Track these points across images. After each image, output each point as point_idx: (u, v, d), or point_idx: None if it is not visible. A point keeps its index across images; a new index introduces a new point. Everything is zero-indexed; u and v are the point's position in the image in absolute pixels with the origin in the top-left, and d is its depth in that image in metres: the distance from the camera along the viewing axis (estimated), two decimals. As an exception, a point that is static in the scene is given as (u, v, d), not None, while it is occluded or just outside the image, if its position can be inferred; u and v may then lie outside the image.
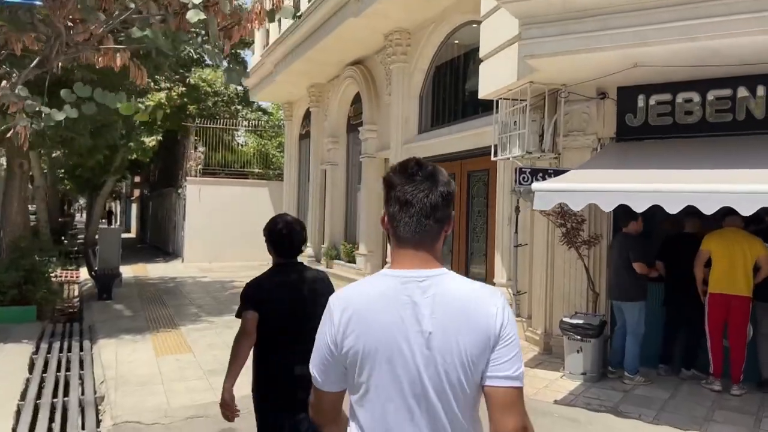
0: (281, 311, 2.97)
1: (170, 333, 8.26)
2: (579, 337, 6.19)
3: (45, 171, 21.11)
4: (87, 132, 9.42)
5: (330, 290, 3.00)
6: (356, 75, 13.00)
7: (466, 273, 9.78)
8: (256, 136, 22.00)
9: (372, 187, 12.45)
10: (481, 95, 7.65)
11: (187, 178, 18.87)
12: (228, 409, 2.89)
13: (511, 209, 7.97)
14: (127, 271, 15.68)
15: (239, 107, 20.71)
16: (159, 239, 25.82)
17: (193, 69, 19.74)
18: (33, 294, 8.85)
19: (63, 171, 24.95)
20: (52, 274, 9.36)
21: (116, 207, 52.78)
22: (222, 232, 18.12)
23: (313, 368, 1.56)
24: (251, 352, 2.98)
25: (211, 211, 18.24)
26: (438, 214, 1.50)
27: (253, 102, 21.84)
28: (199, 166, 19.21)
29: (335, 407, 1.59)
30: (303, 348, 2.26)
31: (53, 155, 18.65)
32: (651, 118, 6.55)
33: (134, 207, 39.39)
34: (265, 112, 22.17)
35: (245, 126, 20.33)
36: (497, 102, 7.67)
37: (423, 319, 1.43)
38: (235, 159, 20.57)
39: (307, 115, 17.28)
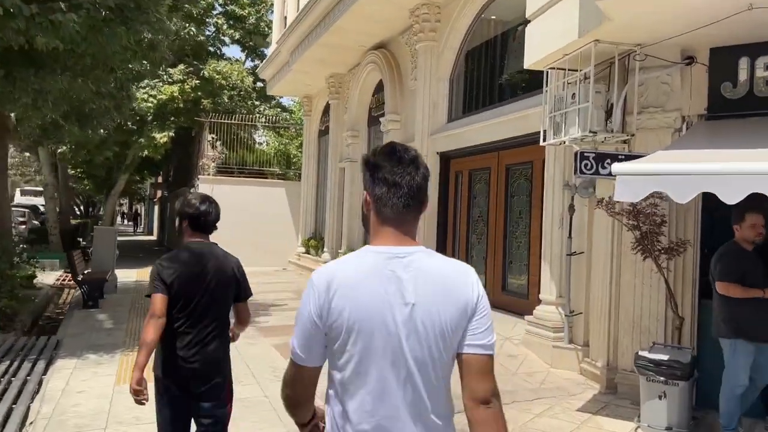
0: (189, 291, 2.96)
1: (146, 352, 6.87)
2: (663, 379, 4.60)
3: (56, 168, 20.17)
4: (59, 113, 8.09)
5: (240, 275, 3.14)
6: (378, 60, 11.56)
7: (503, 286, 8.22)
8: (276, 135, 20.74)
9: (394, 185, 10.97)
10: (528, 64, 6.12)
11: (199, 177, 17.64)
12: (138, 390, 2.81)
13: (563, 208, 6.41)
14: (132, 275, 14.48)
15: (257, 102, 19.46)
16: (175, 241, 24.74)
17: (207, 60, 18.55)
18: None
19: (79, 169, 24.05)
20: (34, 279, 8.07)
21: (142, 209, 52.31)
22: (235, 234, 16.76)
23: (296, 344, 1.58)
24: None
25: (225, 212, 16.86)
26: (421, 195, 1.60)
27: (272, 98, 20.59)
28: (213, 164, 17.98)
29: (313, 384, 1.62)
30: (208, 330, 2.99)
31: (59, 150, 17.62)
32: (758, 87, 4.94)
33: (156, 209, 38.63)
34: (284, 109, 20.90)
35: (263, 122, 19.04)
36: (547, 74, 6.15)
37: (406, 292, 1.51)
38: (254, 159, 19.32)
39: (327, 110, 15.92)
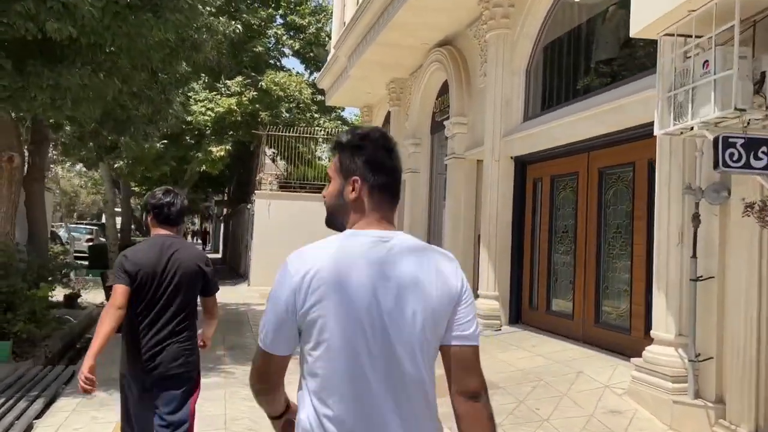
0: (151, 284, 2.94)
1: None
2: None
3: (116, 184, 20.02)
4: (96, 115, 7.28)
5: (206, 270, 3.14)
6: (443, 57, 10.33)
7: (596, 317, 6.70)
8: (336, 148, 19.80)
9: (460, 197, 9.64)
10: (635, 32, 4.71)
11: (256, 192, 16.89)
12: (89, 379, 2.73)
13: (683, 219, 4.90)
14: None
15: (316, 115, 18.63)
16: (234, 260, 24.23)
17: (266, 72, 17.89)
18: (13, 325, 6.77)
19: (144, 186, 23.99)
20: (51, 298, 7.23)
21: (211, 227, 52.95)
22: (290, 250, 15.84)
23: (265, 331, 1.49)
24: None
25: (280, 229, 16.05)
26: (400, 183, 1.62)
27: (332, 110, 19.74)
28: (272, 179, 17.21)
29: (281, 372, 1.54)
30: (171, 324, 2.99)
31: (115, 165, 17.33)
32: None
33: (222, 226, 38.70)
34: (345, 122, 19.98)
35: (322, 135, 18.15)
36: (660, 43, 4.73)
37: (391, 274, 1.44)
38: (315, 174, 18.46)
39: (388, 119, 14.81)
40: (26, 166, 9.60)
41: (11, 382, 5.97)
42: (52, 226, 21.73)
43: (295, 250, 1.52)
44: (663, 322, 5.04)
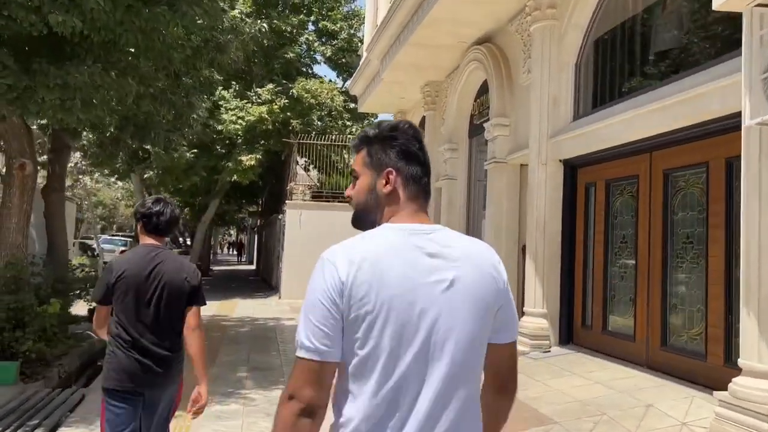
0: (134, 295, 2.90)
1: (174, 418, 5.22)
2: None
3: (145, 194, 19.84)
4: (107, 114, 6.80)
5: (192, 283, 3.04)
6: (482, 56, 9.64)
7: (663, 339, 5.88)
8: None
9: (502, 205, 8.91)
10: (718, 4, 3.97)
11: (287, 202, 16.41)
12: None
13: (779, 226, 4.10)
14: (212, 308, 13.30)
15: (348, 122, 18.10)
16: (267, 272, 23.85)
17: (297, 79, 17.45)
18: (21, 344, 6.30)
19: (178, 198, 23.81)
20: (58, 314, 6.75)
21: (246, 238, 53.00)
22: (322, 264, 15.28)
23: (311, 336, 1.32)
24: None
25: (311, 240, 15.51)
26: None
27: (365, 118, 19.18)
28: (303, 189, 16.72)
29: (330, 384, 1.35)
30: (155, 336, 2.94)
31: (145, 176, 17.08)
32: None
33: (256, 238, 38.53)
34: (378, 129, 19.41)
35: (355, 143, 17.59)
36: (749, 17, 3.98)
37: (438, 267, 1.37)
38: (348, 183, 17.88)
39: (423, 125, 14.16)
40: (46, 174, 9.25)
41: (14, 407, 5.47)
42: (84, 238, 21.66)
43: (334, 246, 1.39)
44: (755, 349, 4.22)
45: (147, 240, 3.03)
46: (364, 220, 1.52)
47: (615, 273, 6.79)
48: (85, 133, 9.03)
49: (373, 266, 1.32)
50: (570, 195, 7.48)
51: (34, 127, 10.52)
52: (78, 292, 8.48)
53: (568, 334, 7.43)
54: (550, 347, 7.32)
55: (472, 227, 11.02)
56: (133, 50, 6.67)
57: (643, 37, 6.83)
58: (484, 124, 9.49)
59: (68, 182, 26.66)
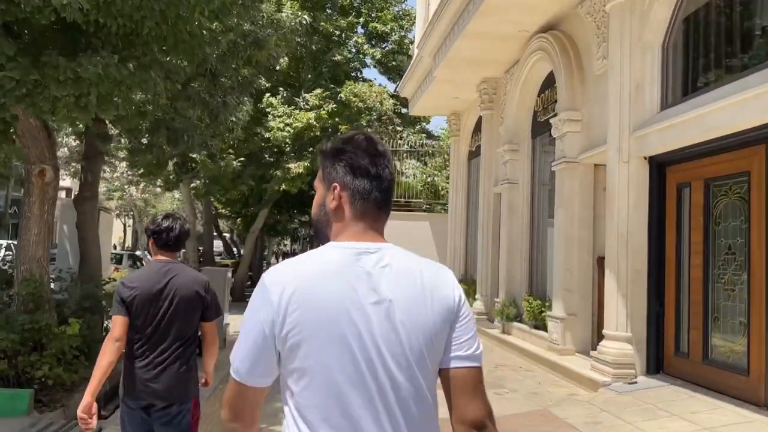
0: (148, 311, 2.93)
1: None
2: None
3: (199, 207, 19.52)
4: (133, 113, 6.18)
5: (206, 296, 3.09)
6: (548, 44, 8.62)
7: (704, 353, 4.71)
8: (421, 164, 18.38)
9: (574, 211, 7.85)
10: None
11: (335, 210, 15.67)
12: (83, 418, 2.78)
13: None
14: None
15: (399, 128, 17.28)
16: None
17: (345, 83, 16.75)
18: (37, 368, 5.68)
19: (229, 209, 23.53)
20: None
21: (299, 249, 52.98)
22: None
23: (239, 360, 1.33)
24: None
25: (360, 251, 14.72)
26: (393, 191, 1.46)
27: (416, 123, 18.32)
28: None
29: (257, 406, 1.38)
30: (169, 351, 2.95)
31: (191, 185, 16.70)
32: None
33: (309, 248, 38.14)
34: (430, 135, 18.49)
35: (406, 149, 16.74)
36: None
37: (379, 288, 1.31)
38: (400, 191, 17.10)
39: (478, 127, 13.19)
40: (79, 183, 8.76)
41: (18, 445, 4.81)
42: (128, 249, 21.54)
43: (274, 266, 1.36)
44: None
45: (159, 255, 3.08)
46: (320, 235, 1.45)
47: (719, 291, 5.64)
48: (119, 138, 8.50)
49: (308, 291, 1.29)
50: (658, 198, 6.38)
51: (68, 133, 10.10)
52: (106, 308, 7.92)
53: (657, 362, 6.32)
54: (636, 377, 6.23)
55: (537, 236, 9.95)
56: (159, 44, 6.01)
57: (747, 9, 5.70)
58: (551, 120, 8.45)
59: (116, 194, 26.70)
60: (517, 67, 10.11)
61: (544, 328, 8.44)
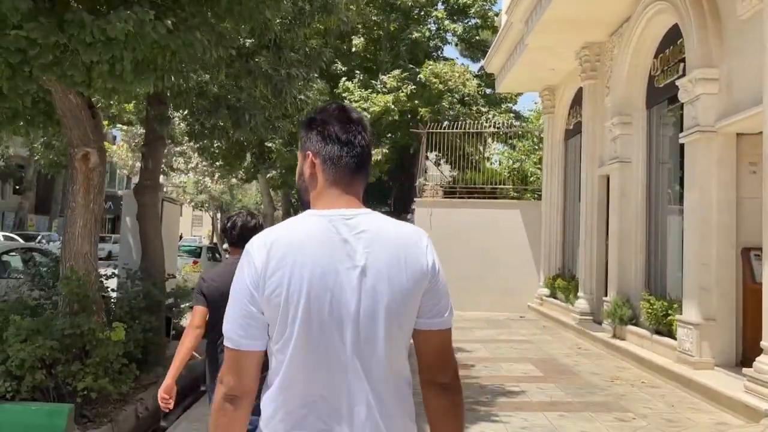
0: (222, 306, 2.47)
1: None
2: None
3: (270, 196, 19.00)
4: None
5: None
6: (669, -8, 7.11)
7: None
8: (508, 148, 16.95)
9: (710, 191, 6.36)
10: None
11: (416, 199, 14.60)
12: (164, 398, 3.00)
13: None
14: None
15: (483, 109, 15.93)
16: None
17: (424, 63, 15.57)
18: (80, 379, 4.96)
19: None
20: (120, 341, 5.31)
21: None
22: (454, 269, 13.25)
23: (231, 328, 1.38)
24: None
25: (443, 241, 13.53)
26: (369, 158, 1.50)
27: (502, 102, 16.89)
28: (433, 185, 14.83)
29: (257, 371, 1.39)
30: None
31: (268, 175, 16.11)
32: None
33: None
34: (518, 116, 16.99)
35: (491, 131, 15.37)
36: None
37: (355, 254, 1.36)
38: (484, 178, 15.79)
39: (578, 101, 11.69)
40: (138, 170, 8.13)
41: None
42: (213, 243, 21.38)
43: (257, 235, 1.43)
44: None
45: (234, 252, 3.19)
46: (303, 203, 1.51)
47: None
48: (178, 122, 7.79)
49: (287, 255, 1.33)
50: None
51: (132, 118, 9.51)
52: (174, 307, 7.23)
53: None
54: (813, 406, 4.75)
55: (654, 224, 8.43)
56: (210, 5, 5.13)
57: None
58: (677, 83, 6.95)
59: (191, 188, 26.64)
60: (627, 27, 8.60)
61: (670, 335, 6.99)
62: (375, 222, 1.40)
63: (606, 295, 9.07)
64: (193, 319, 3.11)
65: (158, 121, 7.09)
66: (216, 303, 3.00)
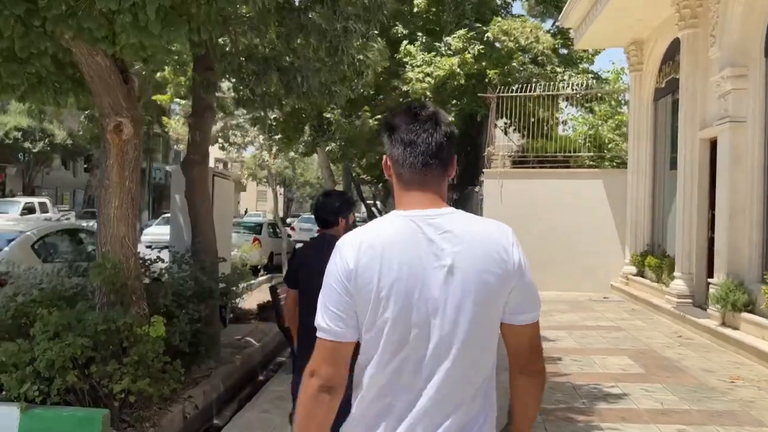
0: (306, 284, 3.10)
1: None
2: None
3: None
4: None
5: None
6: None
7: None
8: (585, 112, 15.56)
9: None
10: None
11: (484, 170, 13.55)
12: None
13: None
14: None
15: (558, 69, 14.57)
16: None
17: (492, 20, 14.31)
18: (116, 381, 4.37)
19: (366, 172, 22.30)
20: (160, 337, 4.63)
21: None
22: (533, 246, 12.18)
23: (325, 317, 1.44)
24: None
25: (515, 216, 12.46)
26: (443, 153, 1.50)
27: (579, 62, 15.45)
28: (503, 154, 13.74)
29: (348, 364, 1.47)
30: None
31: (327, 149, 15.42)
32: None
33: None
34: (597, 76, 15.51)
35: (568, 93, 14.03)
36: None
37: (441, 254, 1.41)
38: (557, 146, 14.55)
39: (670, 56, 10.32)
40: (187, 144, 7.50)
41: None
42: (279, 218, 20.98)
43: (346, 234, 1.50)
44: None
45: (320, 230, 3.27)
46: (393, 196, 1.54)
47: None
48: (228, 89, 7.09)
49: (375, 254, 1.40)
50: None
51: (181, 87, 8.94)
52: (232, 292, 6.61)
53: None
54: None
55: (775, 194, 7.15)
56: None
57: None
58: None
59: (249, 163, 26.24)
60: (743, -40, 7.22)
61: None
62: (459, 221, 1.45)
63: (711, 277, 7.87)
64: (287, 303, 3.37)
65: (204, 87, 6.39)
66: (303, 281, 3.12)
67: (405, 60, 14.74)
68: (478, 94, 14.01)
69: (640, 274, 10.98)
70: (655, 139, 11.20)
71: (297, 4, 6.31)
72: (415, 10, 15.12)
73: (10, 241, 7.10)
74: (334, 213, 3.20)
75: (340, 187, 24.06)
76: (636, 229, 11.37)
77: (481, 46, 13.93)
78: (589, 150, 13.98)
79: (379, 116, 14.90)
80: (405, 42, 15.00)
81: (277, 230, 17.60)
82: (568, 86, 13.92)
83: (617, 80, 15.83)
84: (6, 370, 4.18)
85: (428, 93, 14.65)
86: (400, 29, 15.41)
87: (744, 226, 7.30)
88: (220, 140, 17.65)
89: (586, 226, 11.99)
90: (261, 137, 14.82)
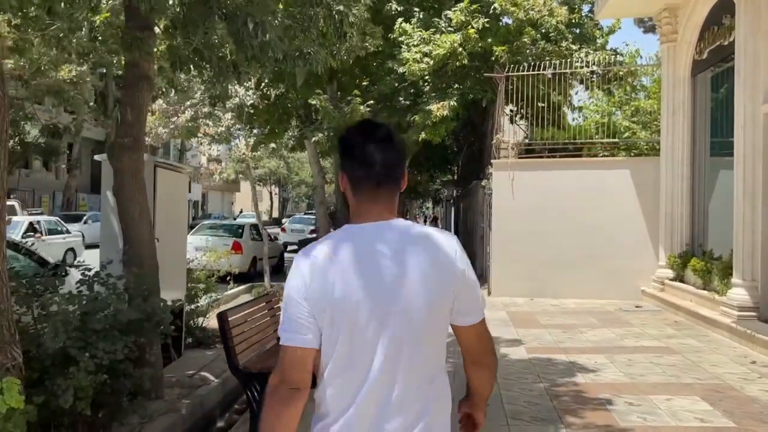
0: None
1: None
2: None
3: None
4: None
5: None
6: None
7: None
8: (604, 94, 13.94)
9: None
10: None
11: (492, 161, 11.90)
12: None
13: None
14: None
15: (573, 46, 12.91)
16: (468, 255, 19.65)
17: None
18: (112, 404, 2.73)
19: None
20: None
21: (442, 212, 49.55)
22: (549, 246, 10.52)
23: (289, 328, 1.52)
24: None
25: (528, 211, 10.83)
26: (396, 172, 1.59)
27: (595, 38, 13.76)
28: (512, 143, 12.10)
29: (308, 369, 1.53)
30: None
31: (313, 139, 13.78)
32: None
33: (453, 212, 34.54)
34: (616, 52, 13.84)
35: (584, 72, 12.35)
36: None
37: (389, 261, 1.49)
38: (571, 134, 12.93)
39: (713, 20, 8.69)
40: (115, 125, 5.84)
41: None
42: (273, 219, 19.29)
43: (304, 248, 1.58)
44: None
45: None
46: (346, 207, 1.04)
47: None
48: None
49: (330, 265, 1.49)
50: None
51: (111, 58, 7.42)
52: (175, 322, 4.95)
53: None
54: None
55: None
56: None
57: None
58: None
59: (232, 158, 24.65)
60: None
61: None
62: (402, 228, 1.55)
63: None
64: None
65: (136, 46, 4.71)
66: None
67: (400, 39, 13.07)
68: (485, 74, 12.33)
69: (679, 278, 9.35)
70: (694, 121, 9.57)
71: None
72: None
73: None
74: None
75: (331, 185, 22.41)
76: (672, 226, 9.74)
77: (486, 20, 12.23)
78: (603, 137, 12.35)
79: (371, 102, 13.25)
80: (400, 20, 13.33)
81: (257, 234, 15.92)
82: (585, 65, 12.25)
83: (632, 63, 14.21)
84: None
85: (427, 75, 12.98)
86: (394, 5, 13.73)
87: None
88: (199, 134, 16.03)
89: (610, 223, 10.37)
90: (236, 126, 13.09)
